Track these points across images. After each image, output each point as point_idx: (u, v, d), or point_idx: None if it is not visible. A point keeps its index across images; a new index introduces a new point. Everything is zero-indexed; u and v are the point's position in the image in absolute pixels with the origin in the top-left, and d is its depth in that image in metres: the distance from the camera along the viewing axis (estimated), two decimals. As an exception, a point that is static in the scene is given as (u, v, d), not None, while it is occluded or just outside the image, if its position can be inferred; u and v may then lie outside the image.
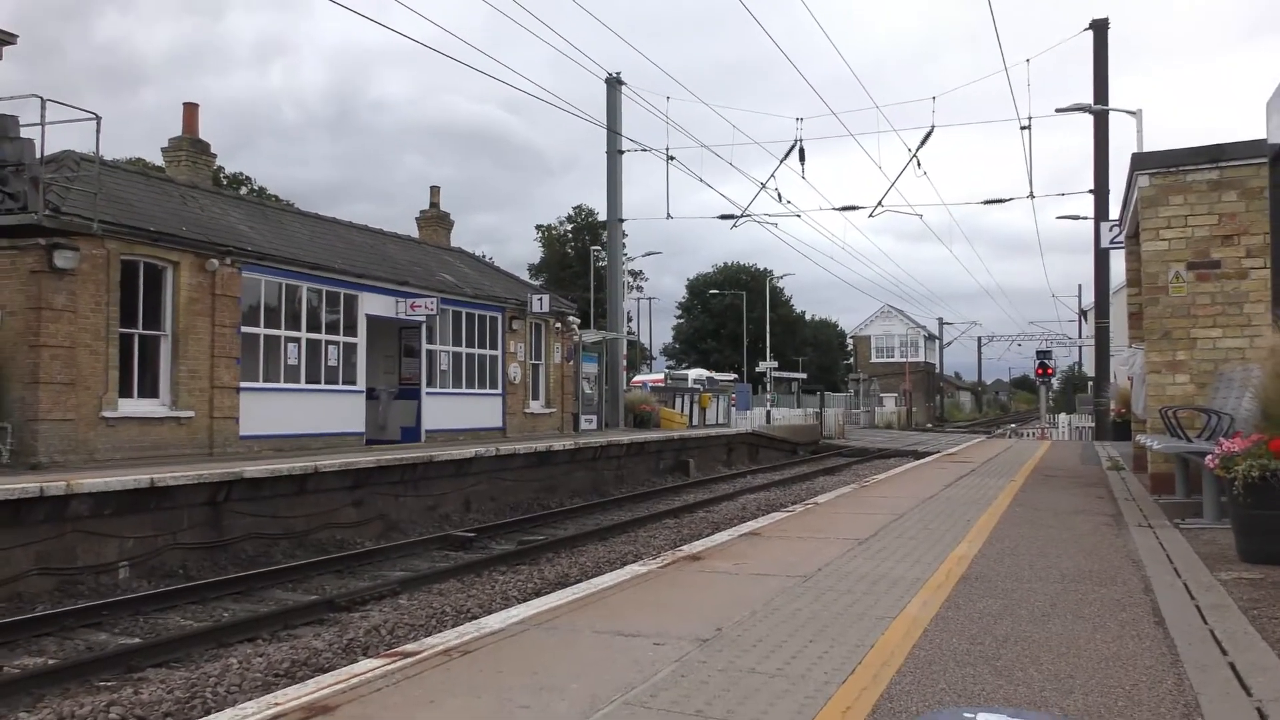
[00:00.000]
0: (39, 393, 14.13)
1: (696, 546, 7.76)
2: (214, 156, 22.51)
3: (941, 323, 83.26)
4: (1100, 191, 27.63)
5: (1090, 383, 42.34)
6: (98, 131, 14.44)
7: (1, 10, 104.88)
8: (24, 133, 13.89)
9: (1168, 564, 6.64)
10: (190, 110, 21.57)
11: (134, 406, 15.68)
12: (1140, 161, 10.90)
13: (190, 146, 21.13)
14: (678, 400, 35.92)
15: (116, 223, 15.28)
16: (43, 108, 13.70)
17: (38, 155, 13.90)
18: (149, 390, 16.15)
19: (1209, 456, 7.15)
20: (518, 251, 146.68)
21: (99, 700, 6.92)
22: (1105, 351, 29.68)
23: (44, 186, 13.72)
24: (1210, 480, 8.26)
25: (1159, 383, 10.48)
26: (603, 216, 34.81)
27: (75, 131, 17.14)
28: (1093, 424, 32.72)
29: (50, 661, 8.42)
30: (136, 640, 9.14)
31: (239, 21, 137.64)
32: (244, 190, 49.25)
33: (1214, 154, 10.29)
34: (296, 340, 19.04)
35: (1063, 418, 41.61)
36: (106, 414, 15.07)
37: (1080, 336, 55.44)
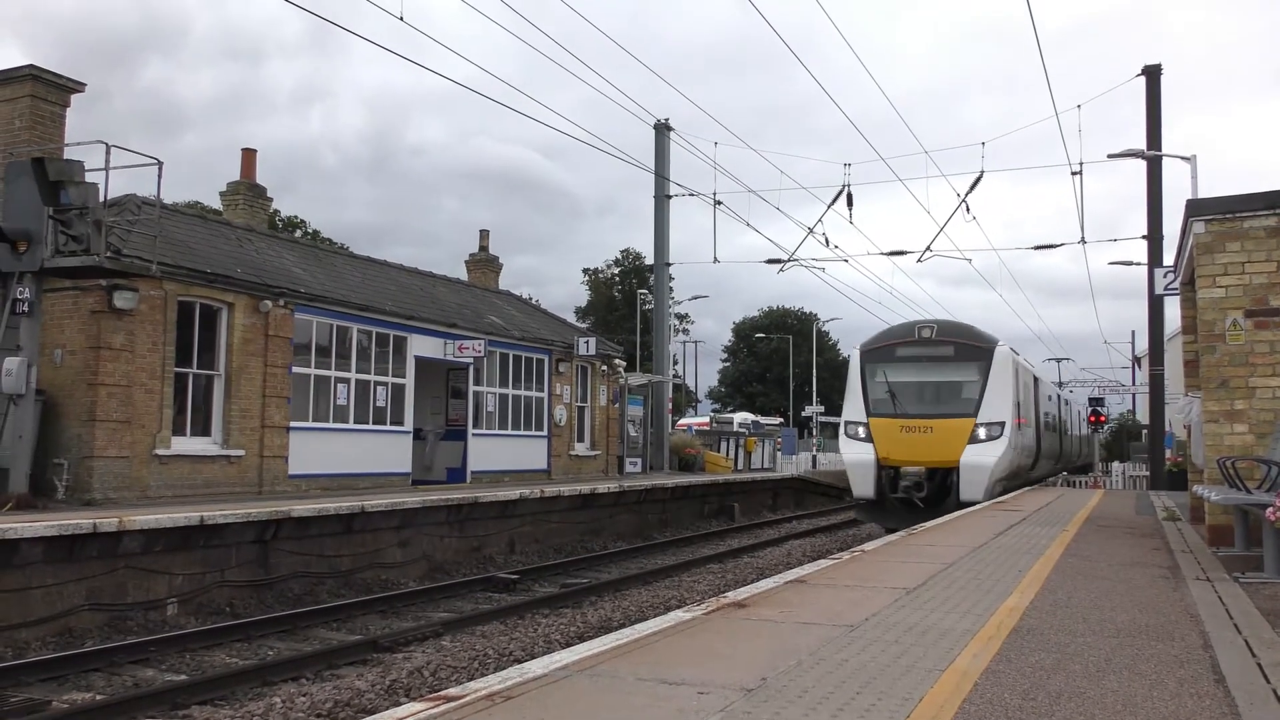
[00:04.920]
0: (95, 430, 14.42)
1: (742, 593, 7.68)
2: (270, 200, 23.07)
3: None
4: (1154, 237, 27.28)
5: (1144, 431, 41.49)
6: (159, 176, 14.88)
7: (51, 56, 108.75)
8: (88, 177, 14.31)
9: (1227, 619, 6.45)
10: (248, 155, 22.18)
11: (186, 445, 15.94)
12: (1196, 208, 10.75)
13: (248, 190, 21.72)
14: (723, 444, 35.78)
15: (174, 265, 15.64)
16: (107, 153, 14.12)
17: (100, 199, 14.29)
18: (201, 429, 16.41)
19: (1270, 508, 6.98)
20: (558, 293, 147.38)
21: (145, 737, 6.97)
22: (1160, 399, 29.13)
23: (106, 229, 14.07)
24: (1271, 533, 8.05)
25: (1216, 432, 10.25)
26: (649, 259, 35.04)
27: (127, 175, 17.60)
28: (1147, 473, 32.06)
29: (98, 697, 8.50)
30: (183, 677, 9.22)
31: (278, 67, 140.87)
32: (299, 233, 50.31)
33: (1272, 200, 10.13)
34: (346, 380, 19.29)
35: (1116, 466, 40.79)
36: (159, 452, 15.33)
37: (1134, 384, 54.40)
